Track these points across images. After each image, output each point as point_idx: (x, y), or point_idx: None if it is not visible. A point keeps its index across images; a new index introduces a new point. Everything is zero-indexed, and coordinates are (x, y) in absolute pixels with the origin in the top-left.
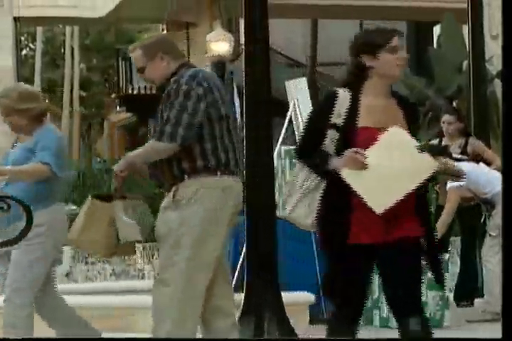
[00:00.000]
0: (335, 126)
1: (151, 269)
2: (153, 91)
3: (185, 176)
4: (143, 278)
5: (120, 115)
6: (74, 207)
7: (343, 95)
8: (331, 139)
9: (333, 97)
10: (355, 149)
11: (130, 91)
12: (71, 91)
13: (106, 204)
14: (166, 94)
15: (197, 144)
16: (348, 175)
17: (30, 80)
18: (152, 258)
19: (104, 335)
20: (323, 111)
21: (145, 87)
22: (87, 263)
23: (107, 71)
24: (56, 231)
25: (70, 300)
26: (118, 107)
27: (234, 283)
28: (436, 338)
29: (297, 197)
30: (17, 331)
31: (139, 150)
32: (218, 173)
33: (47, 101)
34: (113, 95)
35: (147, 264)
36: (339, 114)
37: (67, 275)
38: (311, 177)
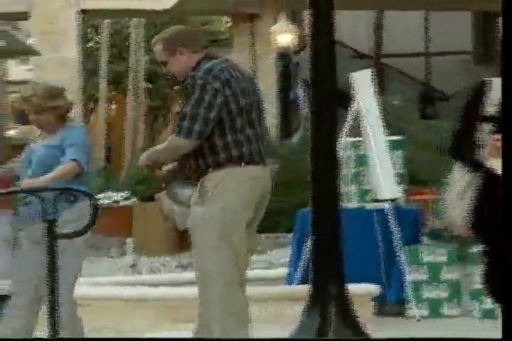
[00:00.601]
0: (489, 117)
1: None
2: None
3: (210, 169)
4: None
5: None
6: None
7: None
8: (486, 131)
9: (485, 87)
10: (496, 136)
11: None
12: (137, 83)
13: (151, 203)
14: (185, 89)
15: (219, 138)
16: (495, 164)
17: (95, 72)
18: None
19: (170, 326)
20: (475, 102)
21: None
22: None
23: None
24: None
25: (135, 291)
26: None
27: (300, 275)
28: (437, 338)
29: (455, 196)
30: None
31: (160, 147)
32: (242, 164)
33: (112, 92)
34: (176, 87)
35: None
36: (493, 103)
37: (131, 266)
38: (466, 174)
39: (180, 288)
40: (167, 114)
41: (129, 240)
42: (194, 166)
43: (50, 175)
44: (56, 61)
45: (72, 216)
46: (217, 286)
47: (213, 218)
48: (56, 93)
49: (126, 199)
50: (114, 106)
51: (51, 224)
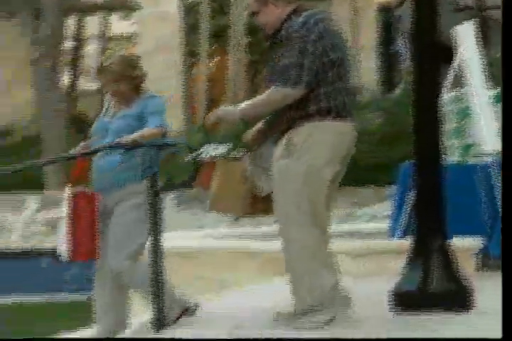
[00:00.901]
0: None
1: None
2: None
3: (297, 122)
4: None
5: None
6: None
7: None
8: None
9: None
10: None
11: None
12: (238, 38)
13: (236, 163)
14: (279, 42)
15: (312, 89)
16: None
17: (196, 27)
18: None
19: (272, 279)
20: None
21: None
22: None
23: None
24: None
25: (239, 244)
26: None
27: (402, 229)
28: (437, 338)
29: None
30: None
31: (260, 101)
32: (330, 119)
33: (214, 47)
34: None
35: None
36: None
37: (236, 219)
38: None
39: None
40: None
41: None
42: (283, 119)
43: (138, 134)
44: (157, 16)
45: (137, 188)
46: (298, 241)
47: (298, 172)
48: (134, 63)
49: (225, 153)
50: (215, 61)
51: (153, 178)
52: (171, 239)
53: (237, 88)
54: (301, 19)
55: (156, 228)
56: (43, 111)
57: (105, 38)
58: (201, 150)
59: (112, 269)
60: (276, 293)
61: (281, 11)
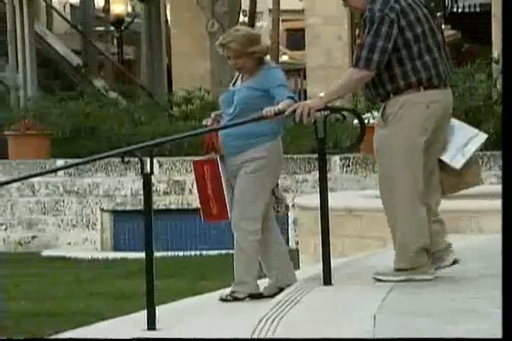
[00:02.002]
0: None
1: None
2: (476, 10)
3: (391, 95)
4: None
5: (445, 32)
6: None
7: None
8: None
9: None
10: None
11: (455, 10)
12: None
13: None
14: (364, 22)
15: (397, 65)
16: None
17: None
18: None
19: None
20: None
21: (468, 6)
22: None
23: None
24: (274, 163)
25: None
26: (443, 25)
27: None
28: (437, 338)
29: None
30: (247, 255)
31: (336, 85)
32: (422, 89)
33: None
34: (438, 14)
35: None
36: None
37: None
38: None
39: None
40: None
41: None
42: (375, 94)
43: (282, 105)
44: None
45: (257, 154)
46: (399, 202)
47: (392, 142)
48: (253, 39)
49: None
50: None
51: (321, 142)
52: (338, 198)
53: None
54: None
55: (322, 187)
56: (220, 80)
57: (276, 13)
58: (366, 115)
59: (233, 227)
60: None
61: None
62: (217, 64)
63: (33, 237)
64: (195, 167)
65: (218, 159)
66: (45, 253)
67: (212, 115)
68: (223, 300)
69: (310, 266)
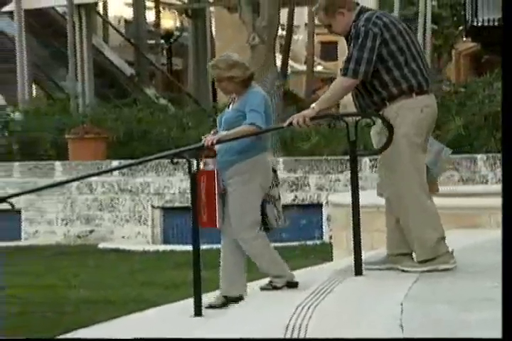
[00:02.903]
0: None
1: (492, 176)
2: (495, 24)
3: (386, 103)
4: (486, 183)
5: (466, 45)
6: None
7: None
8: None
9: None
10: None
11: (475, 24)
12: (424, 25)
13: None
14: (350, 38)
15: (386, 74)
16: None
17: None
18: (494, 166)
19: (454, 232)
20: None
21: (488, 20)
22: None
23: (455, 7)
24: (259, 177)
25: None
26: (464, 38)
27: None
28: (435, 338)
29: None
30: (264, 255)
31: (326, 95)
32: (414, 95)
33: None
34: (460, 27)
35: (490, 171)
36: None
37: None
38: None
39: (468, 199)
40: (450, 51)
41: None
42: (370, 102)
43: (231, 132)
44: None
45: (241, 169)
46: (407, 199)
47: (394, 146)
48: (233, 64)
49: None
50: None
51: (353, 144)
52: (368, 196)
53: None
54: (366, 15)
55: (354, 186)
56: (262, 88)
57: (311, 27)
58: None
59: (239, 242)
60: (455, 242)
61: (346, 18)
62: (257, 73)
63: (91, 231)
64: (200, 174)
65: (216, 170)
66: (102, 245)
67: (212, 132)
68: (263, 289)
69: (342, 259)
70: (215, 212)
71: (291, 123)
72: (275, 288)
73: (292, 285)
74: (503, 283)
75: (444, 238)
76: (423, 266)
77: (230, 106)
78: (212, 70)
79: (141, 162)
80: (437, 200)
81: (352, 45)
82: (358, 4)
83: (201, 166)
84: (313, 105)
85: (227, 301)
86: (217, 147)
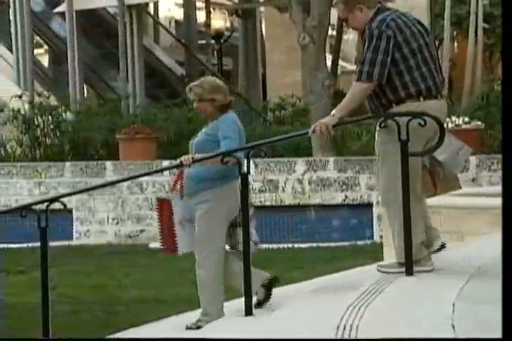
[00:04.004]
0: None
1: None
2: None
3: (393, 105)
4: None
5: None
6: None
7: None
8: None
9: None
10: None
11: None
12: (476, 24)
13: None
14: (366, 38)
15: (397, 77)
16: None
17: (440, 15)
18: None
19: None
20: None
21: None
22: (489, 170)
23: None
24: (224, 206)
25: (475, 201)
26: None
27: None
28: (437, 338)
29: None
30: (207, 291)
31: (345, 101)
32: (421, 99)
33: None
34: None
35: None
36: None
37: (473, 180)
38: None
39: None
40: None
41: (472, 158)
42: (379, 104)
43: (203, 156)
44: (407, 6)
45: (205, 198)
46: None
47: (394, 148)
48: (216, 87)
49: (466, 123)
50: (456, 45)
51: (404, 144)
52: None
53: (474, 68)
54: (380, 17)
55: (405, 186)
56: (312, 87)
57: None
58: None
59: (197, 263)
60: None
61: (364, 14)
62: (307, 73)
63: (141, 231)
64: (157, 204)
65: (175, 199)
66: (152, 245)
67: (186, 156)
68: (188, 328)
69: (393, 259)
70: (175, 240)
71: (314, 131)
72: (199, 327)
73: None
74: (503, 283)
75: (423, 242)
76: (400, 267)
77: (203, 128)
78: (196, 90)
79: (192, 162)
80: (486, 200)
81: (366, 46)
82: (379, 3)
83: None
84: (333, 112)
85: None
86: (186, 173)
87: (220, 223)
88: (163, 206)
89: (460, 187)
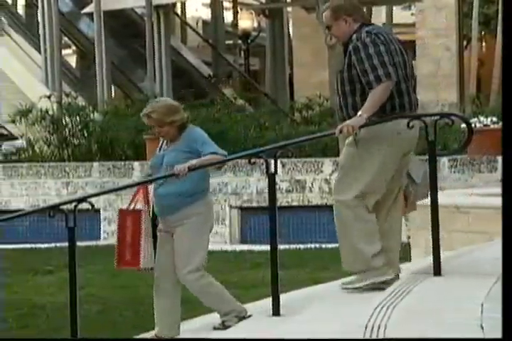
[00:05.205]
0: None
1: None
2: None
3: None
4: None
5: None
6: None
7: None
8: None
9: None
10: None
11: None
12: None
13: None
14: (351, 48)
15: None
16: None
17: (467, 15)
18: None
19: None
20: None
21: None
22: None
23: None
24: (210, 217)
25: None
26: None
27: None
28: (437, 338)
29: None
30: (211, 296)
31: (371, 102)
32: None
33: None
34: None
35: None
36: None
37: (501, 180)
38: None
39: None
40: None
41: (500, 158)
42: (347, 116)
43: (199, 160)
44: (435, 5)
45: (195, 211)
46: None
47: (361, 163)
48: (173, 109)
49: (494, 123)
50: (484, 44)
51: (432, 144)
52: (447, 196)
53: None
54: (367, 29)
55: (433, 186)
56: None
57: (389, 27)
58: (472, 120)
59: (181, 279)
60: None
61: (348, 26)
62: (334, 73)
63: None
64: (119, 215)
65: (143, 212)
66: None
67: (143, 175)
68: (216, 328)
69: (421, 259)
70: (139, 253)
71: (341, 131)
72: (228, 327)
73: (243, 319)
74: (503, 283)
75: (380, 251)
76: (362, 281)
77: (164, 148)
78: (154, 116)
79: (219, 162)
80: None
81: (364, 56)
82: (363, 18)
83: (133, 205)
84: (359, 113)
85: None
86: (159, 192)
87: (205, 237)
88: (127, 218)
89: (415, 209)
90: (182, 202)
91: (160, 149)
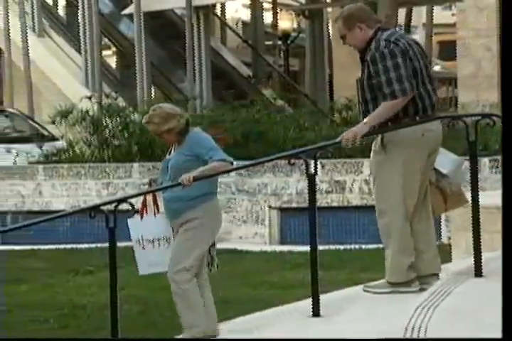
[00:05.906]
0: None
1: None
2: None
3: (388, 123)
4: None
5: None
6: None
7: None
8: None
9: None
10: None
11: None
12: None
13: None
14: (369, 59)
15: None
16: None
17: None
18: None
19: None
20: None
21: None
22: None
23: None
24: (211, 222)
25: None
26: None
27: None
28: (437, 338)
29: None
30: (184, 304)
31: (378, 112)
32: (417, 118)
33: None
34: None
35: None
36: None
37: None
38: None
39: None
40: None
41: None
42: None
43: (206, 167)
44: (476, 5)
45: (194, 215)
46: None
47: (389, 167)
48: (167, 117)
49: None
50: None
51: (473, 145)
52: (488, 197)
53: None
54: (384, 36)
55: (474, 187)
56: None
57: (429, 27)
58: None
59: (169, 279)
60: None
61: (363, 33)
62: None
63: None
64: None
65: (132, 219)
66: (219, 246)
67: (147, 180)
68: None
69: (461, 260)
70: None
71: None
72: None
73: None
74: (503, 283)
75: (411, 266)
76: (387, 288)
77: (172, 152)
78: (150, 127)
79: (259, 163)
80: None
81: (381, 67)
82: (379, 22)
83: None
84: (365, 120)
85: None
86: (163, 195)
87: (203, 241)
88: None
89: (467, 202)
90: (184, 206)
91: (170, 153)
